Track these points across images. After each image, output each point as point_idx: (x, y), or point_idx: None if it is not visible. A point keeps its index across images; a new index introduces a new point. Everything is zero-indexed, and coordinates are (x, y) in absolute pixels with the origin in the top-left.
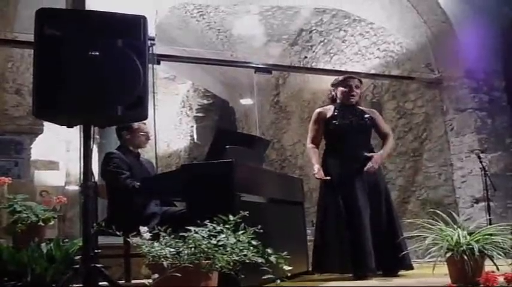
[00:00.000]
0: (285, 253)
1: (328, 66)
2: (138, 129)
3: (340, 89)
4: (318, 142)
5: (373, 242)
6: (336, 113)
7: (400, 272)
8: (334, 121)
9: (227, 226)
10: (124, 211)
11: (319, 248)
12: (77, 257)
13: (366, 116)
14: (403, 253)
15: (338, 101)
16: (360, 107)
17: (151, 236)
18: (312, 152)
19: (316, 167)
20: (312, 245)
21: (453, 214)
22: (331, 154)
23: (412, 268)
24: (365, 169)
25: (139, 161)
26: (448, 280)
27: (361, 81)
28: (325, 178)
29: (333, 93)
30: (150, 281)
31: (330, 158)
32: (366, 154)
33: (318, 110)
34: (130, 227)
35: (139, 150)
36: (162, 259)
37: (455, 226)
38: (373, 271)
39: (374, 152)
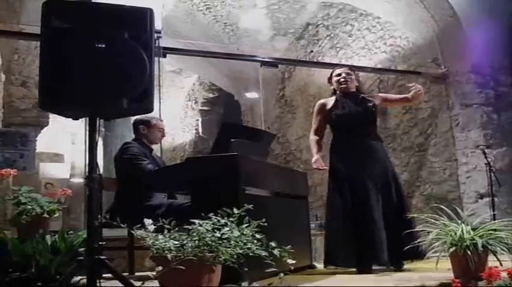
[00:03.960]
0: (288, 246)
1: (335, 61)
2: (155, 125)
3: (333, 79)
4: (321, 133)
5: (386, 233)
6: (336, 103)
7: (404, 267)
8: (335, 111)
9: (231, 219)
10: (133, 199)
11: (328, 242)
12: (81, 249)
13: (369, 104)
14: (415, 242)
15: (338, 92)
16: (363, 96)
17: (155, 228)
18: (313, 143)
19: (315, 157)
20: (315, 239)
21: (457, 209)
22: (337, 145)
23: (424, 257)
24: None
25: (153, 156)
26: (451, 275)
27: (351, 69)
28: (322, 168)
29: (331, 87)
30: (154, 273)
31: (335, 150)
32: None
33: (320, 101)
34: (136, 216)
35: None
36: (166, 252)
37: (459, 221)
38: (385, 264)
39: (381, 141)
